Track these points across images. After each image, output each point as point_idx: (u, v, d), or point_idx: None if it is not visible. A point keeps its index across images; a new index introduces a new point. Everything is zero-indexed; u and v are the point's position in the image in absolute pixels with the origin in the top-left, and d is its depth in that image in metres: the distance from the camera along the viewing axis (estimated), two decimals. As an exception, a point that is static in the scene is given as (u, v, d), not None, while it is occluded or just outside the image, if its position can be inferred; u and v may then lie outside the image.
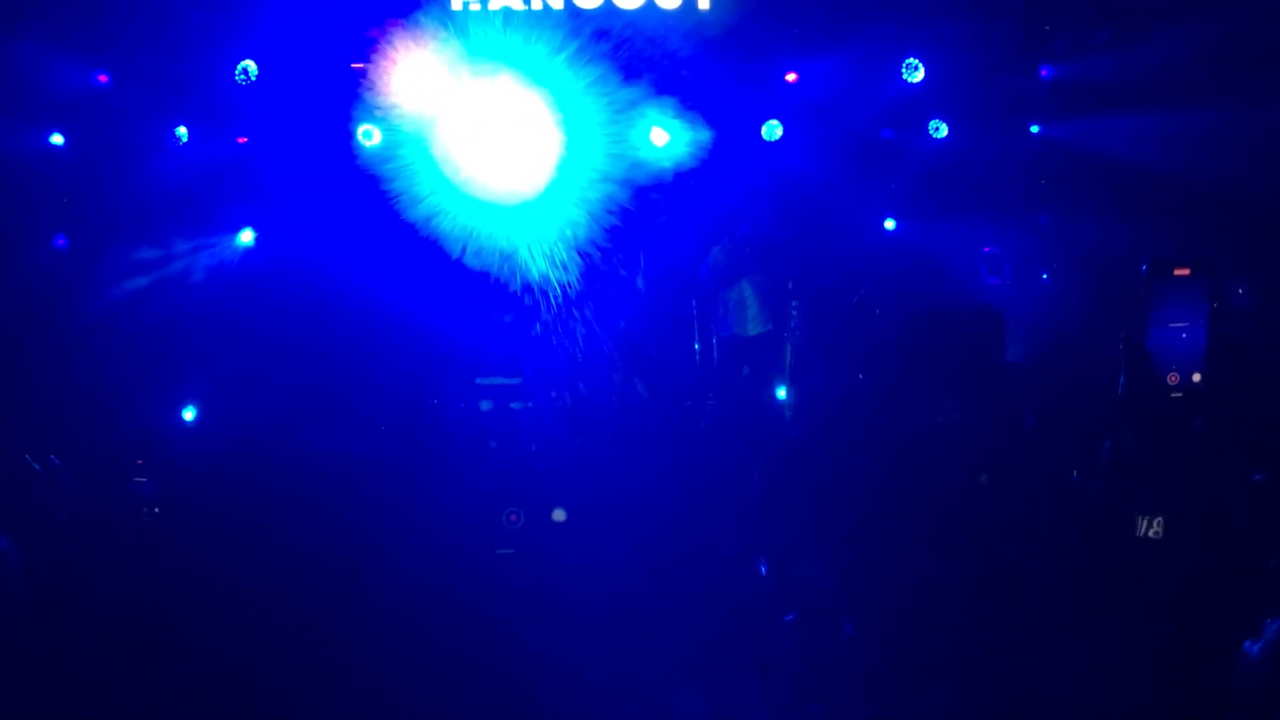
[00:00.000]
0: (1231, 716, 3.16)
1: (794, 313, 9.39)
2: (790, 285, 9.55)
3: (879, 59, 9.42)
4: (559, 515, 6.34)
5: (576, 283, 9.04)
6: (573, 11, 8.95)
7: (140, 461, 7.14)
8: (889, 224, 10.05)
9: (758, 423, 8.36)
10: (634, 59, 8.96)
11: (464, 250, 8.90)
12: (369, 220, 8.95)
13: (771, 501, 5.28)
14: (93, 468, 6.88)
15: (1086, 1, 9.50)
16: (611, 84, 8.95)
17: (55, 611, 5.34)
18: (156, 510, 6.90)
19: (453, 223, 8.94)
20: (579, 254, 9.04)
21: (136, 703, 5.19)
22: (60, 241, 9.22)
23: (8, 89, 8.64)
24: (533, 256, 9.03)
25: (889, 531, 4.44)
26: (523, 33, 8.94)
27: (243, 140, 9.32)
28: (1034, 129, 9.86)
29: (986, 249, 9.89)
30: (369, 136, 9.13)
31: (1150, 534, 3.73)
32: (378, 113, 9.06)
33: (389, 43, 8.82)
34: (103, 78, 9.12)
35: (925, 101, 9.62)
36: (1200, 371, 3.75)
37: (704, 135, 9.26)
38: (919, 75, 9.40)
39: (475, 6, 8.93)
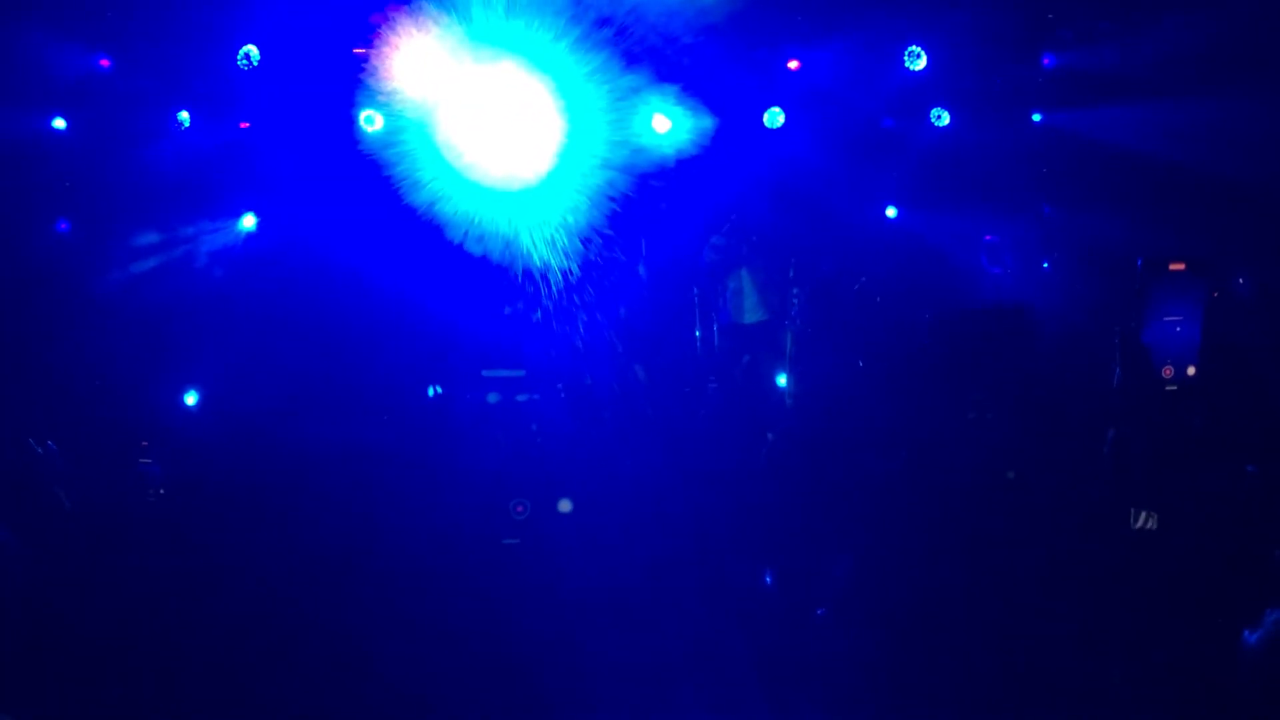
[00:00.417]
0: (1231, 704, 3.18)
1: (795, 300, 9.39)
2: (791, 273, 9.55)
3: (881, 47, 9.42)
4: (565, 506, 6.34)
5: (578, 269, 9.04)
6: (575, -4, 8.94)
7: (145, 444, 7.15)
8: (890, 212, 10.05)
9: (759, 410, 8.36)
10: (636, 45, 8.94)
11: (466, 236, 8.90)
12: (371, 206, 8.95)
13: (776, 492, 5.31)
14: (98, 450, 6.88)
15: (1089, -9, 9.50)
16: (614, 70, 8.94)
17: (60, 595, 5.35)
18: (162, 492, 6.90)
19: (455, 208, 8.93)
20: (581, 240, 9.03)
21: (141, 684, 5.21)
22: (63, 226, 9.22)
23: (10, 74, 8.63)
24: (534, 242, 9.03)
25: (896, 525, 4.46)
26: (525, 18, 8.92)
27: (245, 125, 9.31)
28: (1036, 118, 9.86)
29: (988, 238, 9.90)
30: (371, 122, 9.13)
31: (1147, 526, 3.76)
32: (380, 98, 9.04)
33: (391, 28, 8.79)
34: (105, 62, 9.11)
35: (927, 90, 9.62)
36: (1195, 365, 3.79)
37: (706, 122, 9.25)
38: (921, 63, 9.39)
39: (478, -8, 8.91)
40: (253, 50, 8.96)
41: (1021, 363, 5.05)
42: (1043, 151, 9.79)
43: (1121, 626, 3.88)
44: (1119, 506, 3.84)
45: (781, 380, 9.17)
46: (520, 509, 6.39)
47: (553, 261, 9.01)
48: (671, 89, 9.16)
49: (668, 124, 9.25)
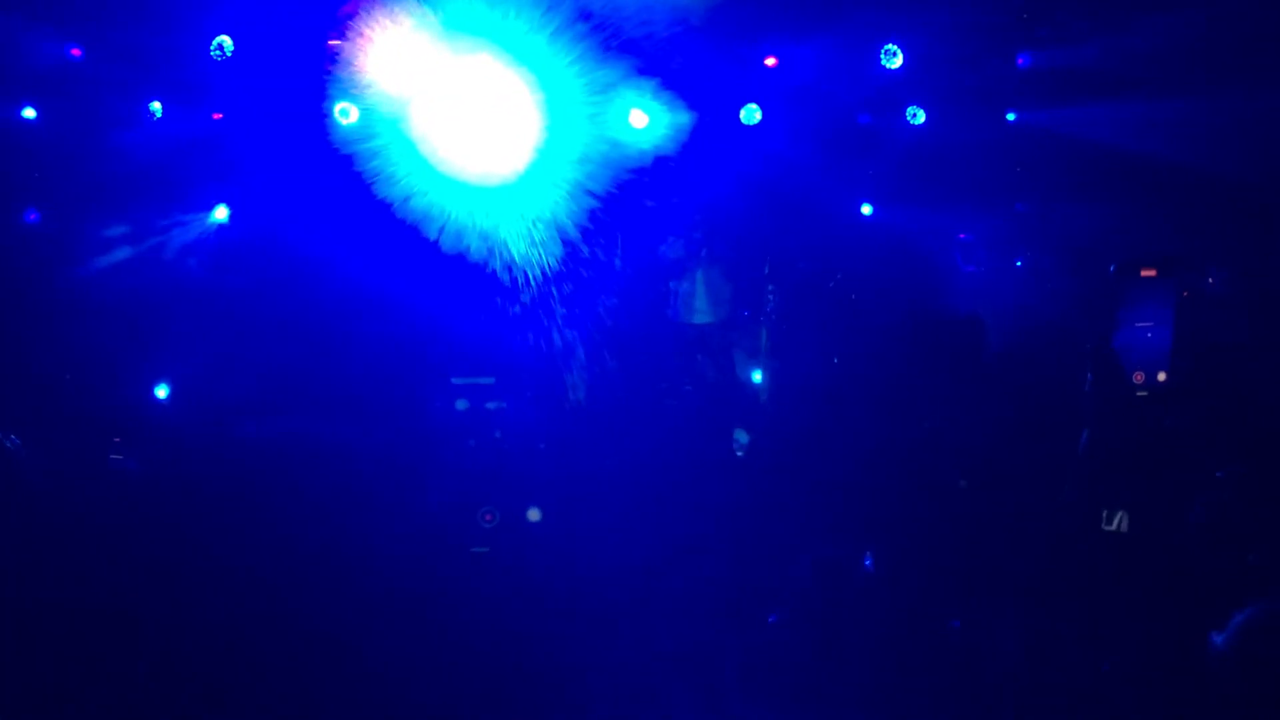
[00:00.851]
0: (1199, 706, 3.21)
1: (771, 298, 9.42)
2: (767, 270, 9.58)
3: (859, 44, 9.43)
4: (534, 515, 6.32)
5: (554, 264, 9.02)
6: (554, -11, 8.90)
7: (118, 439, 7.10)
8: (866, 209, 10.08)
9: (733, 408, 8.39)
10: (614, 39, 8.91)
11: (442, 230, 8.86)
12: (345, 199, 8.89)
13: (749, 492, 5.32)
14: (69, 445, 6.83)
15: (1064, -11, 9.54)
16: (591, 64, 8.91)
17: (28, 590, 5.31)
18: (134, 486, 6.86)
19: (430, 202, 8.89)
20: (558, 235, 9.01)
21: (108, 679, 5.18)
22: (32, 217, 9.12)
23: (-21, 62, 8.54)
24: (510, 237, 9.00)
25: (870, 526, 4.48)
26: (502, 10, 8.87)
27: (218, 116, 9.23)
28: (1010, 117, 9.90)
29: (962, 236, 9.94)
30: (346, 114, 9.05)
31: (1117, 528, 3.79)
32: (355, 90, 8.97)
33: (367, 19, 8.73)
34: (76, 51, 9.00)
35: (904, 87, 9.64)
36: (1165, 371, 3.81)
37: (684, 118, 9.24)
38: (898, 61, 9.41)
39: (455, -17, 8.86)
40: (226, 41, 8.86)
41: (976, 372, 5.09)
42: (1017, 150, 9.84)
43: (1091, 628, 3.91)
44: (1090, 509, 3.86)
45: (757, 377, 9.19)
46: (489, 517, 6.36)
47: (529, 256, 8.99)
48: (649, 84, 9.14)
49: (645, 119, 9.23)
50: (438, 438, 6.96)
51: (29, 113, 9.00)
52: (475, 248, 8.91)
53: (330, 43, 8.89)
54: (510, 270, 8.95)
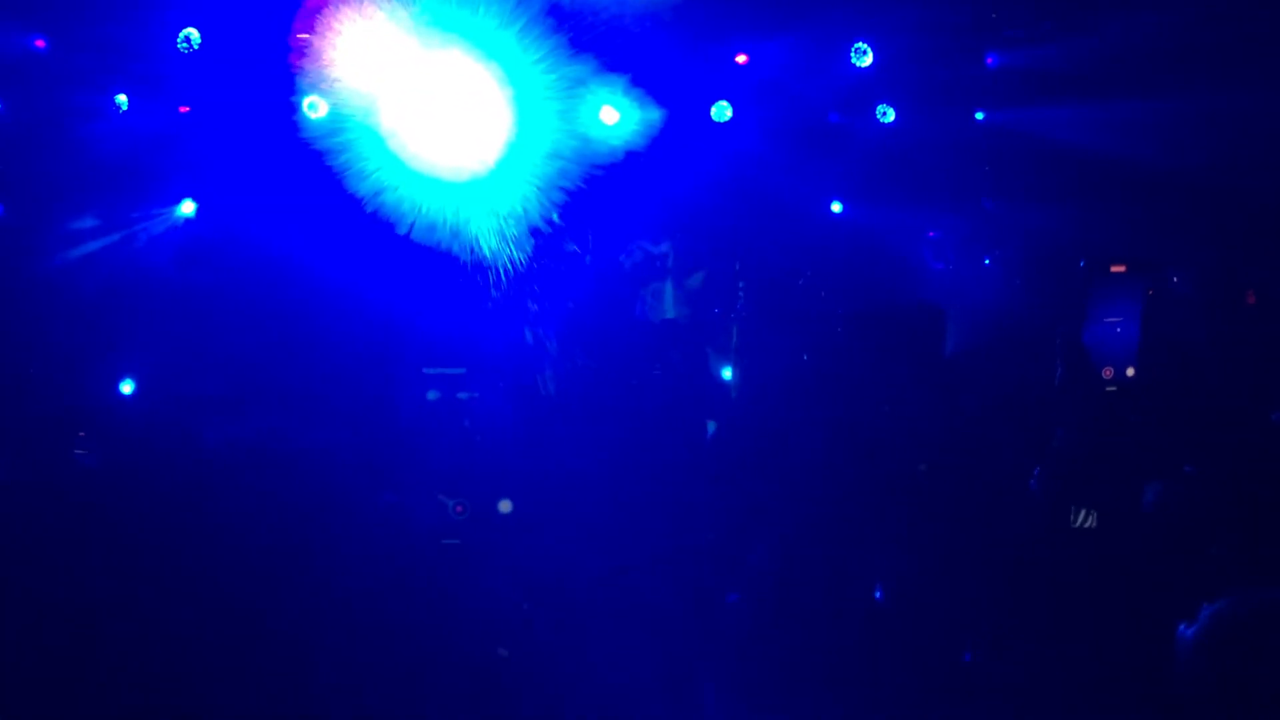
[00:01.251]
0: (1167, 699, 3.24)
1: (740, 295, 9.44)
2: (737, 266, 9.60)
3: (829, 42, 9.47)
4: (505, 507, 6.30)
5: (524, 259, 9.00)
6: (524, -16, 8.87)
7: (81, 434, 7.02)
8: (836, 207, 10.12)
9: (703, 404, 8.40)
10: (585, 35, 8.90)
11: (412, 225, 8.82)
12: (314, 193, 8.83)
13: (718, 485, 5.32)
14: (30, 441, 6.76)
15: (1033, -11, 9.62)
16: (562, 60, 8.89)
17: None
18: (98, 483, 6.79)
19: (400, 197, 8.84)
20: (529, 231, 8.99)
21: (71, 681, 5.13)
22: (-4, 210, 9.01)
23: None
24: (481, 232, 8.97)
25: (833, 517, 4.50)
26: (472, 5, 8.83)
27: (185, 110, 9.14)
28: (979, 116, 9.97)
29: (931, 233, 10.01)
30: (315, 108, 8.98)
31: (1085, 525, 3.82)
32: (324, 84, 8.90)
33: (335, 13, 8.67)
34: (40, 43, 8.89)
35: (873, 86, 9.69)
36: (1134, 366, 3.85)
37: (654, 115, 9.24)
38: (868, 59, 9.46)
39: (425, -23, 8.81)
40: (193, 33, 8.78)
41: (934, 360, 5.11)
42: (986, 149, 9.92)
43: (1059, 623, 3.93)
44: (1058, 503, 3.89)
45: (726, 374, 9.21)
46: (460, 509, 6.33)
47: (500, 251, 8.96)
48: (620, 80, 9.14)
49: (616, 115, 9.23)
50: (408, 430, 6.94)
51: (-9, 105, 8.89)
52: (445, 243, 8.88)
53: (299, 36, 8.83)
54: (480, 265, 8.92)
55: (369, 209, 8.74)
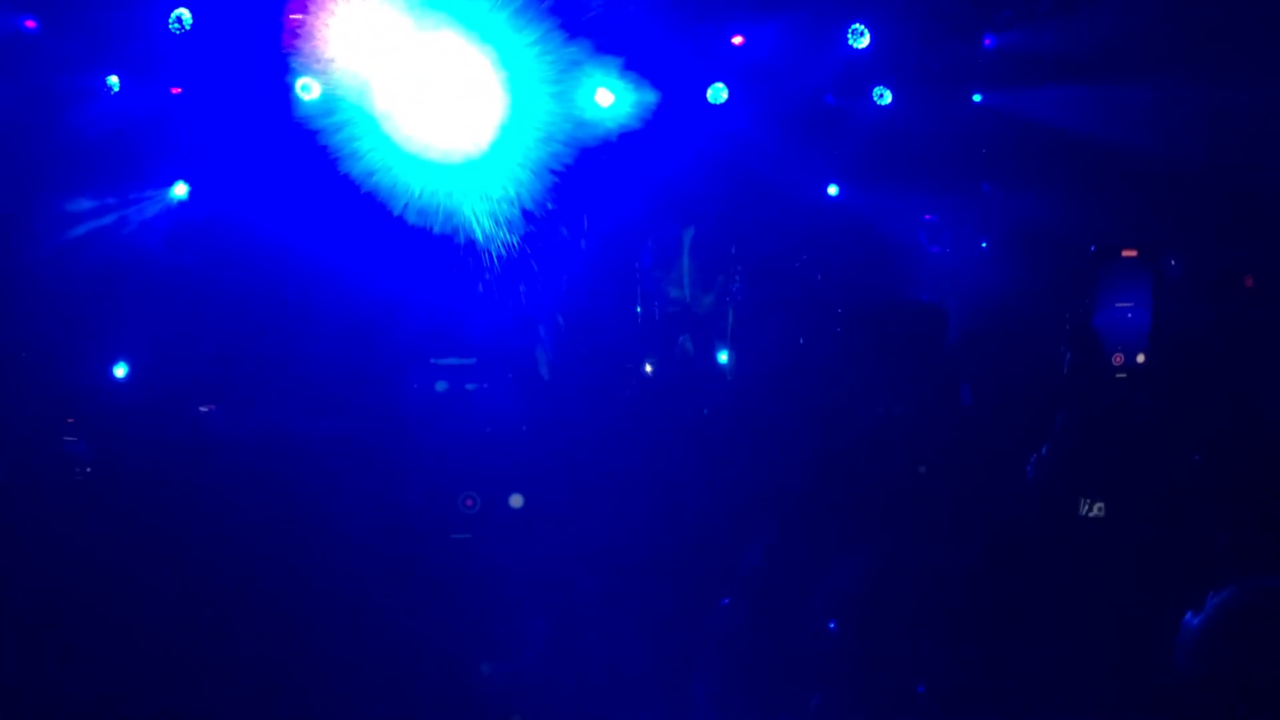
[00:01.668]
0: (1174, 687, 3.22)
1: (736, 278, 9.40)
2: (733, 250, 9.56)
3: (825, 23, 9.42)
4: (516, 501, 6.23)
5: (518, 242, 8.95)
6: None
7: (71, 420, 6.97)
8: (832, 190, 10.09)
9: (699, 389, 8.37)
10: (579, 16, 8.84)
11: (404, 207, 8.77)
12: (307, 175, 8.78)
13: (714, 476, 5.29)
14: (20, 427, 6.71)
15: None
16: (556, 42, 8.83)
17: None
18: (88, 470, 6.73)
19: (393, 179, 8.79)
20: (521, 213, 8.94)
21: (60, 676, 5.10)
22: (-14, 192, 8.95)
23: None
24: (475, 215, 8.92)
25: (832, 515, 4.46)
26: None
27: (177, 91, 9.07)
28: (976, 98, 9.93)
29: (928, 216, 9.98)
30: (307, 90, 8.92)
31: (1093, 514, 3.79)
32: (316, 66, 8.84)
33: (328, -6, 8.60)
34: (30, 24, 8.81)
35: (870, 68, 9.65)
36: (1145, 352, 3.81)
37: (650, 97, 9.19)
38: (864, 41, 9.41)
39: (418, -42, 8.73)
40: (185, 14, 8.71)
41: (932, 359, 5.08)
42: (983, 131, 9.88)
43: (1065, 612, 3.91)
44: (1065, 492, 3.87)
45: (723, 358, 9.18)
46: (470, 503, 6.27)
47: (494, 234, 8.92)
48: (615, 62, 9.08)
49: (611, 97, 9.17)
50: (406, 418, 6.88)
51: (-19, 86, 8.81)
52: (439, 225, 8.83)
53: (292, 17, 8.75)
54: (474, 248, 8.87)
55: (363, 191, 8.69)
